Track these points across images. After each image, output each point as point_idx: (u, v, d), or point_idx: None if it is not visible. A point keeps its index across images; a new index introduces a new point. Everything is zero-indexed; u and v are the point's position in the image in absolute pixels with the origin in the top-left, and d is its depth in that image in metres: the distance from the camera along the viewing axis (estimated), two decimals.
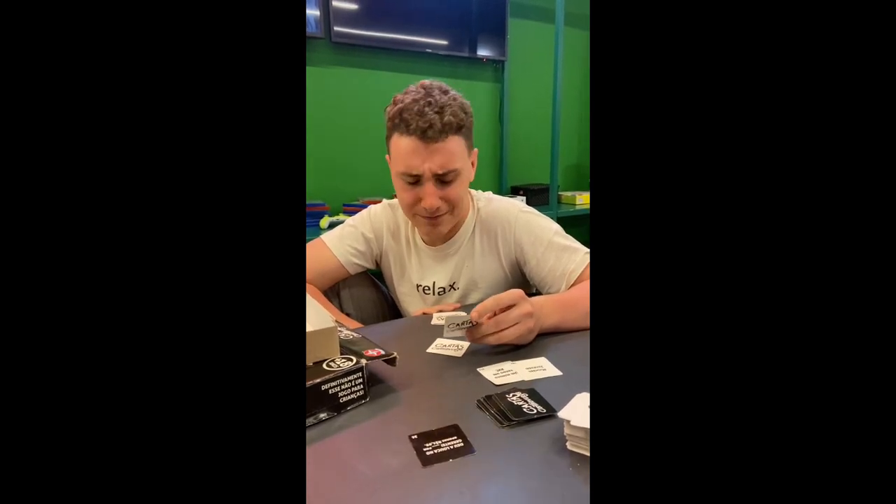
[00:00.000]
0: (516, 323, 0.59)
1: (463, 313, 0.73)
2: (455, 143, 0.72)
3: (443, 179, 0.73)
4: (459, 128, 0.72)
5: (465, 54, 2.01)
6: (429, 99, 0.70)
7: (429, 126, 0.68)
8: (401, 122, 0.70)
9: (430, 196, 0.73)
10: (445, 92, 0.72)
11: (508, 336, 0.59)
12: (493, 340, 0.59)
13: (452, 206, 0.76)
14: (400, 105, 0.71)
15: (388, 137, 0.75)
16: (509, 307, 0.59)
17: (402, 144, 0.71)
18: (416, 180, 0.73)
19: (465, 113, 0.73)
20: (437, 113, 0.69)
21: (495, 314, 0.59)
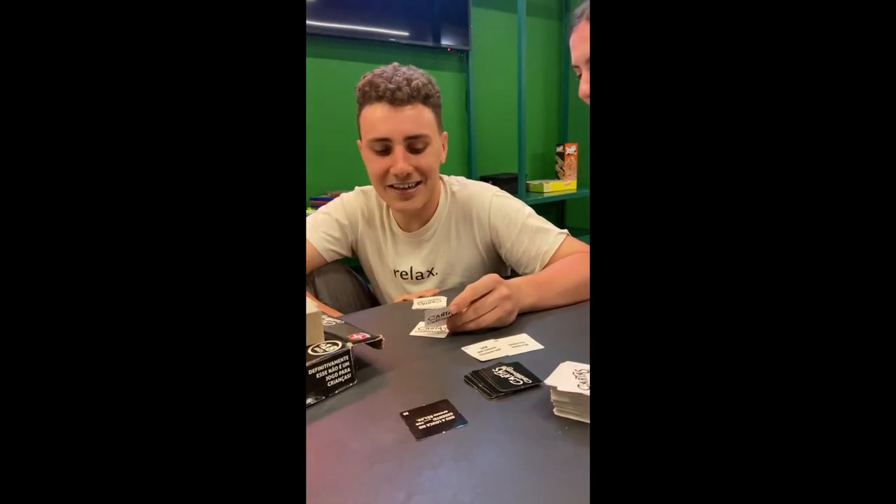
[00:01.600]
0: (495, 307, 0.61)
1: (441, 301, 0.74)
2: (424, 112, 0.74)
3: (413, 147, 0.74)
4: (427, 97, 0.74)
5: (430, 44, 2.00)
6: (397, 71, 0.74)
7: (397, 88, 0.71)
8: (371, 89, 0.72)
9: (401, 160, 0.73)
10: (413, 69, 0.76)
11: (488, 320, 0.61)
12: (472, 326, 0.60)
13: (424, 175, 0.76)
14: (370, 77, 0.74)
15: (359, 114, 0.76)
16: (486, 294, 0.61)
17: (372, 112, 0.73)
18: (385, 147, 0.74)
19: (433, 86, 0.75)
20: (405, 80, 0.72)
21: (474, 302, 0.60)
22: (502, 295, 0.62)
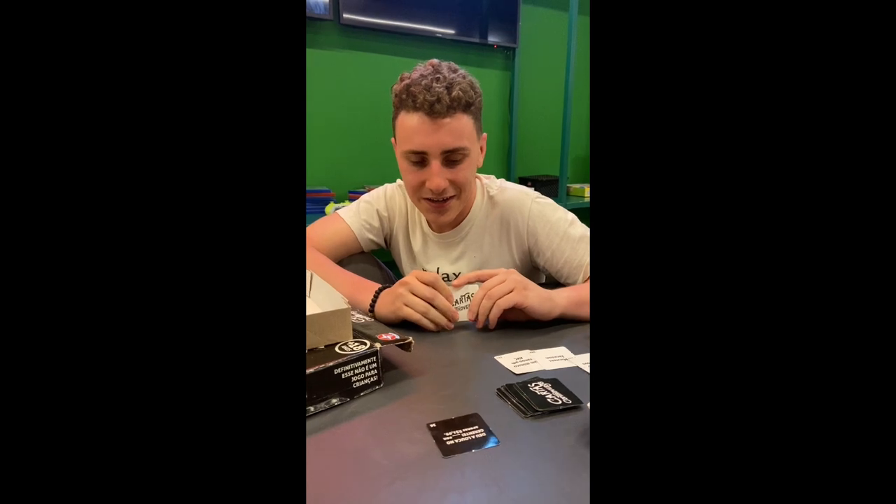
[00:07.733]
0: (503, 281, 0.61)
1: (475, 287, 0.70)
2: (463, 122, 0.69)
3: (450, 159, 0.70)
4: (468, 105, 0.68)
5: (476, 40, 1.97)
6: (437, 75, 0.67)
7: (437, 100, 0.65)
8: (408, 96, 0.67)
9: (437, 176, 0.69)
10: (455, 70, 0.69)
11: (501, 292, 0.61)
12: (496, 311, 0.60)
13: (460, 189, 0.73)
14: (407, 81, 0.68)
15: (395, 117, 0.72)
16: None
17: (409, 121, 0.68)
18: (421, 159, 0.70)
19: (475, 91, 0.70)
20: (445, 88, 0.66)
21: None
22: (503, 271, 0.63)
